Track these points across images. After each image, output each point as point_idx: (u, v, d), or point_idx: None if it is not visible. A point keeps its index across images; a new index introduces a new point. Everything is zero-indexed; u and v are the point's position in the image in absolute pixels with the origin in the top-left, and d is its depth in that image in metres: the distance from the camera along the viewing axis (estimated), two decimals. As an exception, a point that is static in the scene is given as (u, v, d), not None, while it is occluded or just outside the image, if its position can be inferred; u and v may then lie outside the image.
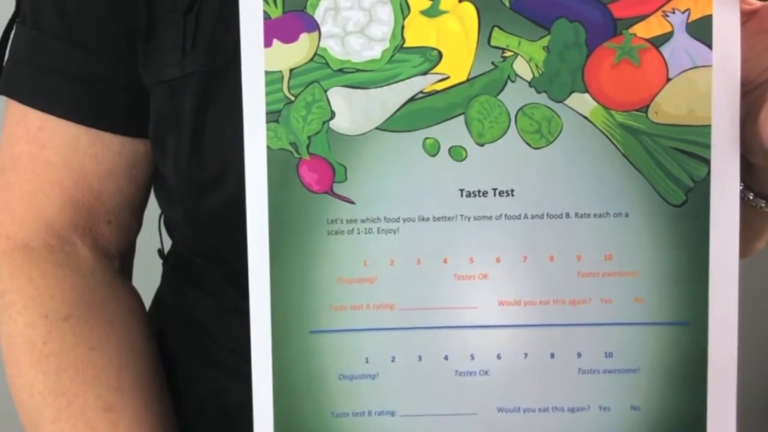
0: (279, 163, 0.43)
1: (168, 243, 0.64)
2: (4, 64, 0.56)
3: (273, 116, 0.43)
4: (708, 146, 0.43)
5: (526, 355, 0.45)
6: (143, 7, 0.51)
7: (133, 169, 0.56)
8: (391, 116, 0.43)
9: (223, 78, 0.49)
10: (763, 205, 0.48)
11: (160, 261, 0.65)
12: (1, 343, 0.53)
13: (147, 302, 0.62)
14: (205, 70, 0.49)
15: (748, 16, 0.43)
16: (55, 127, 0.54)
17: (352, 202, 0.44)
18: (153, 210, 0.60)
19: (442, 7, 0.42)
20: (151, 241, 0.63)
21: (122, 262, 0.58)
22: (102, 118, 0.54)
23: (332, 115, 0.43)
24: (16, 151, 0.54)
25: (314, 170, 0.43)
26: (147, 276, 0.64)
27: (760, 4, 0.44)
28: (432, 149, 0.43)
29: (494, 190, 0.44)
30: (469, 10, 0.43)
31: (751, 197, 0.48)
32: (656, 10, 0.43)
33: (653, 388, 0.45)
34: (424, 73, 0.43)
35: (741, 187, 0.46)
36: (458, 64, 0.43)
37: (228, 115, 0.47)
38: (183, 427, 0.57)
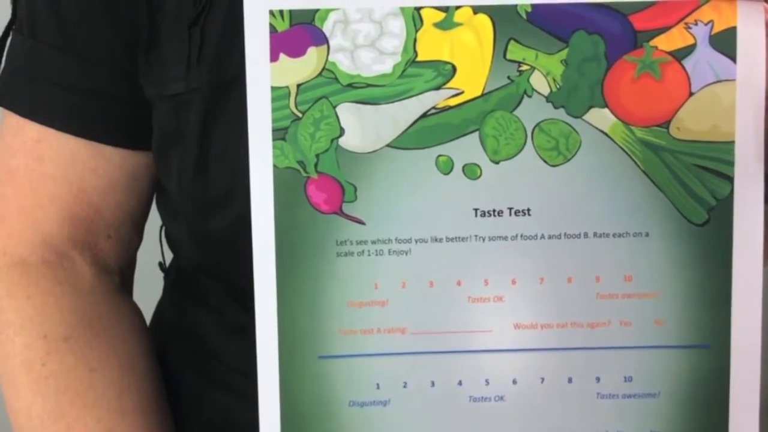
0: (286, 183, 0.42)
1: (169, 255, 0.62)
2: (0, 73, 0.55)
3: (279, 134, 0.42)
4: (732, 163, 0.42)
5: (542, 380, 0.43)
6: (145, 17, 0.50)
7: (134, 182, 0.54)
8: (403, 133, 0.42)
9: (229, 94, 0.47)
10: None
11: (160, 271, 0.64)
12: (-2, 364, 0.52)
13: (147, 312, 0.61)
14: (211, 86, 0.48)
15: None
16: (54, 140, 0.53)
17: (362, 223, 0.42)
18: (154, 220, 0.59)
19: (456, 19, 0.41)
20: (152, 251, 0.62)
21: (122, 277, 0.57)
22: (102, 130, 0.53)
23: (341, 132, 0.42)
24: (12, 164, 0.53)
25: (322, 190, 0.42)
26: (147, 286, 0.62)
27: None
28: (445, 167, 0.42)
29: (510, 209, 0.42)
30: (484, 22, 0.41)
31: None
32: (678, 22, 0.41)
33: (673, 413, 0.43)
34: (437, 87, 0.41)
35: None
36: (473, 78, 0.41)
37: (235, 133, 0.46)
38: None
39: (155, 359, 0.56)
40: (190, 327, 0.59)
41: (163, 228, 0.59)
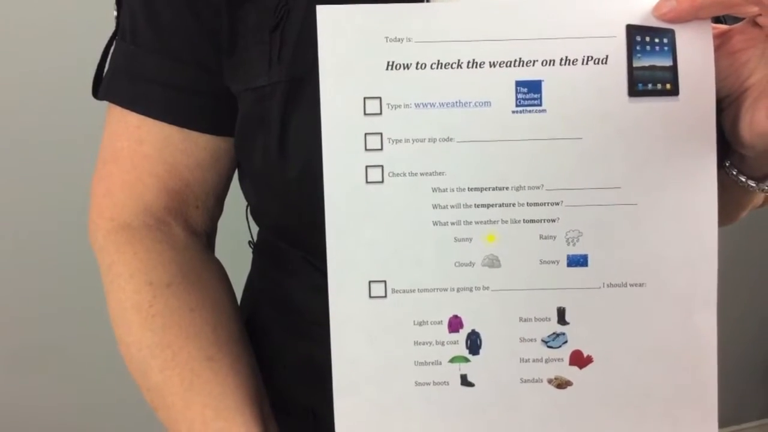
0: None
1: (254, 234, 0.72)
2: (104, 74, 0.64)
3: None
4: None
5: None
6: (226, 26, 0.58)
7: (216, 162, 0.64)
8: None
9: (305, 85, 0.56)
10: (752, 184, 0.56)
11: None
12: (109, 307, 0.61)
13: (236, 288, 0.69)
14: (289, 79, 0.56)
15: (720, 39, 0.50)
16: (151, 127, 0.61)
17: None
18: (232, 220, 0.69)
19: None
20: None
21: (208, 239, 0.66)
22: (191, 119, 0.62)
23: None
24: (117, 145, 0.62)
25: None
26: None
27: (726, 27, 0.51)
28: None
29: None
30: None
31: (743, 179, 0.56)
32: None
33: None
34: None
35: (734, 173, 0.55)
36: None
37: (310, 115, 0.54)
38: (274, 380, 0.65)
39: (237, 303, 0.65)
40: (276, 289, 0.67)
41: (248, 208, 0.67)
